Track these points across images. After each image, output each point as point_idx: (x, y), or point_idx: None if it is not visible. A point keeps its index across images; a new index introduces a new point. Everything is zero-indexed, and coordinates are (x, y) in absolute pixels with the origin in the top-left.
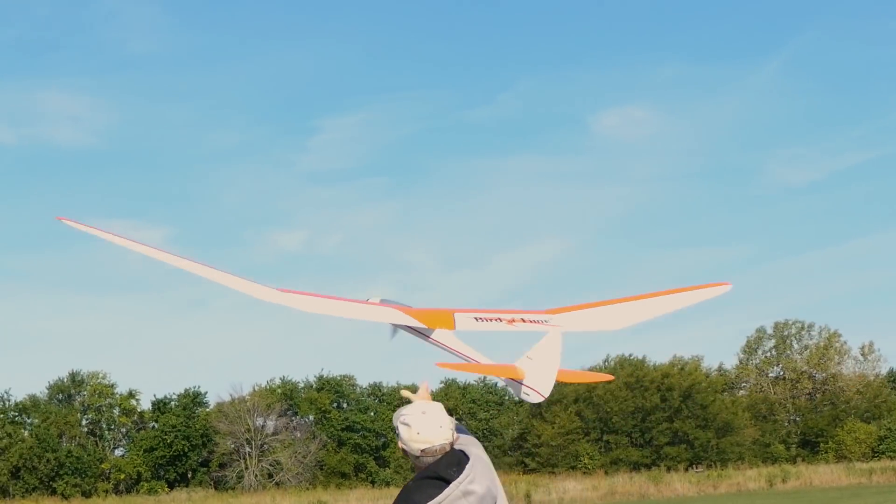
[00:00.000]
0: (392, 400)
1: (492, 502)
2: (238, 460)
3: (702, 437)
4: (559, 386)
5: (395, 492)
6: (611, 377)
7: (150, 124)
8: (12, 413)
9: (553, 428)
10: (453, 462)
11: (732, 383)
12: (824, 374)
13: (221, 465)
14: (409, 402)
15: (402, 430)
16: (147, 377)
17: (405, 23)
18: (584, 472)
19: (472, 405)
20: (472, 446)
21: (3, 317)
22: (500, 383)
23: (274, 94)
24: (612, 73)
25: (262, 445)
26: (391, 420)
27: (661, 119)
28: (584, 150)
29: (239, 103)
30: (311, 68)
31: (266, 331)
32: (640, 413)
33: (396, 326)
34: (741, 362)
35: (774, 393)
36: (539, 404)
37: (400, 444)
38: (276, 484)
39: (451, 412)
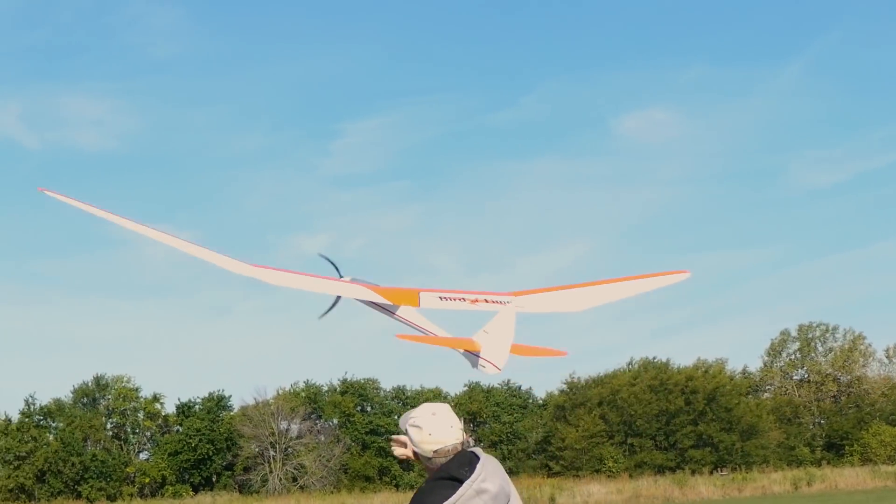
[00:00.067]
0: (416, 403)
1: (505, 500)
2: (262, 464)
3: (726, 440)
4: (583, 389)
5: None
6: (564, 352)
7: (173, 128)
8: (37, 417)
9: (577, 431)
10: (465, 462)
11: (757, 386)
12: (849, 377)
13: (246, 469)
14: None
15: (412, 432)
16: (171, 381)
17: (427, 26)
18: (609, 476)
19: (496, 408)
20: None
21: (28, 321)
22: (459, 355)
23: (297, 98)
24: (635, 75)
25: (286, 449)
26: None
27: (683, 121)
28: (606, 153)
29: (262, 107)
30: (333, 72)
31: (290, 335)
32: (665, 416)
33: (362, 302)
34: (765, 365)
35: (799, 396)
36: (563, 407)
37: (411, 447)
38: (301, 487)
39: (474, 416)
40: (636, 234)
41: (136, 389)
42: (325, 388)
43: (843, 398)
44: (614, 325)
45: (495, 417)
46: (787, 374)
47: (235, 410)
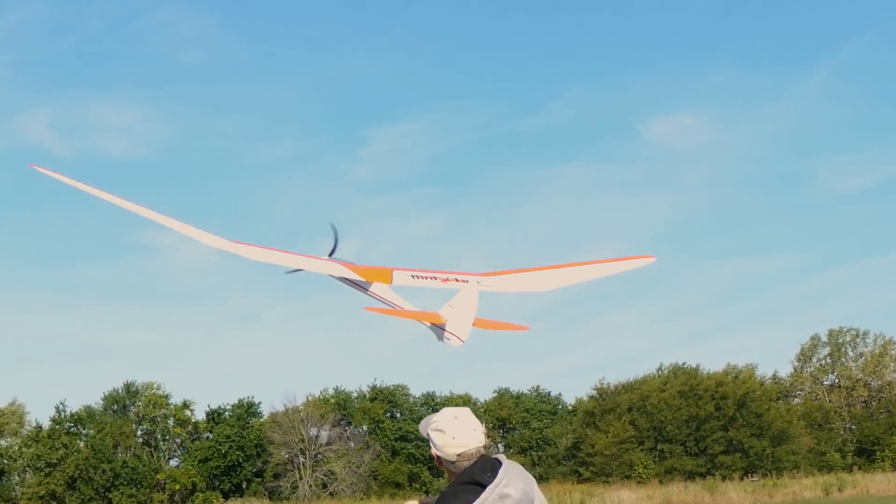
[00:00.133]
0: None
1: None
2: (292, 470)
3: (757, 446)
4: (613, 395)
5: None
6: (526, 327)
7: (202, 135)
8: (68, 424)
9: (607, 437)
10: (487, 467)
11: (787, 391)
12: (880, 382)
13: (276, 476)
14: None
15: (435, 436)
16: (201, 388)
17: (456, 32)
18: (639, 482)
19: (525, 414)
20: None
21: (59, 328)
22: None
23: (325, 104)
24: (663, 80)
25: (315, 455)
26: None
27: (712, 126)
28: (635, 158)
29: (290, 114)
30: (361, 79)
31: (319, 341)
32: (695, 422)
33: (337, 278)
34: (796, 370)
35: (830, 401)
36: (592, 413)
37: (434, 452)
38: (331, 494)
39: (504, 422)
40: (664, 239)
41: (167, 396)
42: (355, 395)
43: (873, 403)
44: (644, 331)
45: (525, 423)
46: (818, 379)
47: (265, 417)
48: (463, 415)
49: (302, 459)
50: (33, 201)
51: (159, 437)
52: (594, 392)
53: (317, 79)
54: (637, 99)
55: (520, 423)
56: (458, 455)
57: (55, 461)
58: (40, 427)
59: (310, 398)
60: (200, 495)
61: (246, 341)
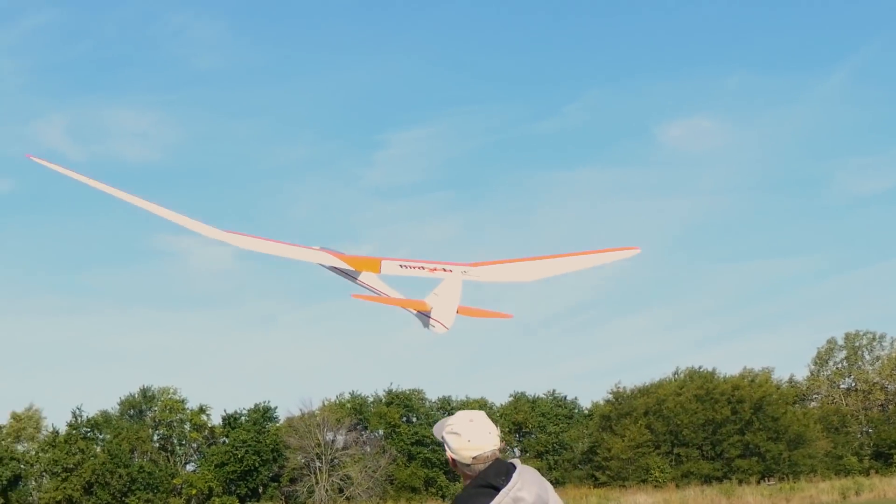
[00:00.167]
0: None
1: None
2: (308, 475)
3: (773, 450)
4: (629, 399)
5: None
6: (510, 315)
7: (217, 140)
8: (84, 429)
9: (623, 441)
10: (501, 471)
11: (804, 395)
12: None
13: (292, 480)
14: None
15: (451, 439)
16: (217, 392)
17: (470, 36)
18: (655, 486)
19: (541, 419)
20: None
21: (74, 333)
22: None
23: (340, 108)
24: (679, 84)
25: (332, 460)
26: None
27: (727, 130)
28: (650, 162)
29: (305, 118)
30: (376, 83)
31: (335, 345)
32: (711, 425)
33: (327, 268)
34: (812, 374)
35: (846, 404)
36: (609, 417)
37: (449, 455)
38: (347, 499)
39: (520, 426)
40: (680, 243)
41: (183, 401)
42: (371, 399)
43: (890, 407)
44: (660, 335)
45: (541, 428)
46: (835, 382)
47: (281, 422)
48: (478, 418)
49: (318, 464)
50: (50, 206)
51: (175, 441)
52: (610, 396)
53: (331, 83)
54: (652, 102)
55: (536, 428)
56: (474, 458)
57: (72, 466)
58: (57, 432)
59: (326, 403)
60: (217, 500)
61: (262, 346)
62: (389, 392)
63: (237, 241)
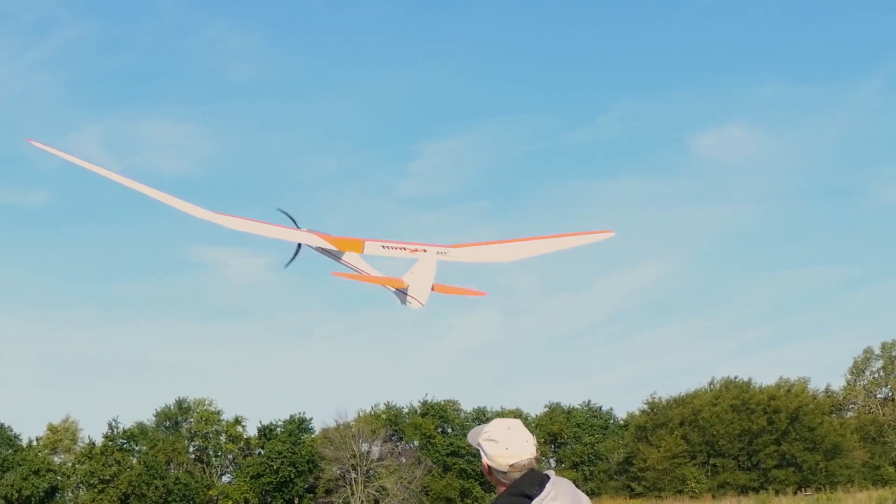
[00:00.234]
0: None
1: None
2: (344, 486)
3: (810, 460)
4: (664, 409)
5: None
6: (484, 293)
7: (252, 152)
8: (121, 440)
9: (659, 451)
10: (535, 481)
11: (840, 405)
12: None
13: (327, 492)
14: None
15: (488, 446)
16: (253, 403)
17: (504, 47)
18: (691, 496)
19: (576, 429)
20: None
21: (110, 344)
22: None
23: (374, 120)
24: (712, 93)
25: (367, 471)
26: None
27: (762, 139)
28: (684, 171)
29: (340, 130)
30: (410, 94)
31: (370, 356)
32: (747, 436)
33: (313, 248)
34: (849, 383)
35: (883, 414)
36: (644, 428)
37: (485, 462)
38: None
39: (555, 437)
40: (715, 253)
41: (218, 412)
42: (406, 410)
43: None
44: (695, 345)
45: (576, 438)
46: (871, 392)
47: (317, 433)
48: (515, 426)
49: (353, 475)
50: (85, 218)
51: (211, 453)
52: (646, 406)
53: (366, 94)
54: (686, 111)
55: (571, 438)
56: (511, 466)
57: (108, 477)
58: (93, 443)
59: (361, 414)
60: None
61: (297, 357)
62: (424, 403)
63: (226, 222)
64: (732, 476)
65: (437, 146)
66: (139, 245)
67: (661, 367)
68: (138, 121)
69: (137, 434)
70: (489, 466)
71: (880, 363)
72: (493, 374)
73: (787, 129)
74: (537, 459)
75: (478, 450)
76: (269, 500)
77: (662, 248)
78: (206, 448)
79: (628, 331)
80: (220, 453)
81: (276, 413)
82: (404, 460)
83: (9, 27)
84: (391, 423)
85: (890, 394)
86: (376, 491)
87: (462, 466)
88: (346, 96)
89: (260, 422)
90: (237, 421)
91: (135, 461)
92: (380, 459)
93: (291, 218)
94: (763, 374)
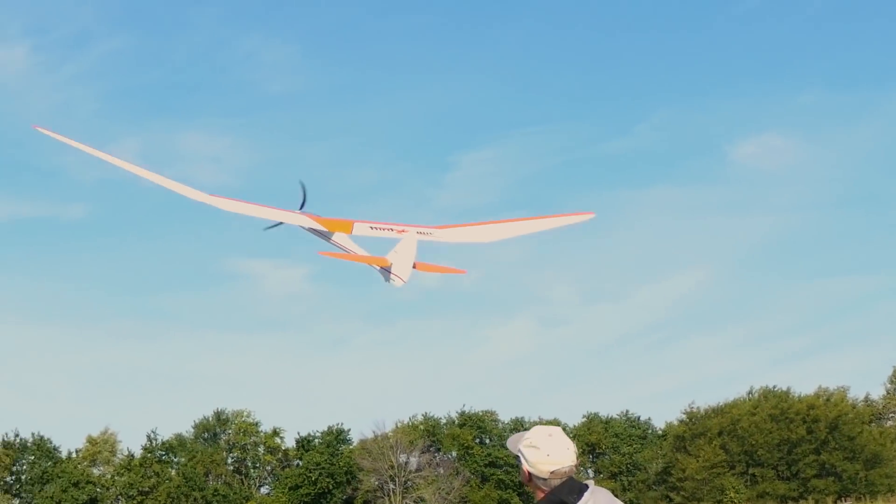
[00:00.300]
0: None
1: None
2: (382, 497)
3: (850, 470)
4: (703, 419)
5: None
6: (463, 271)
7: (289, 163)
8: (159, 452)
9: (697, 461)
10: (574, 489)
11: (880, 414)
12: None
13: (366, 503)
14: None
15: (529, 453)
16: (291, 415)
17: (540, 56)
18: None
19: (615, 439)
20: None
21: (150, 356)
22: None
23: (411, 131)
24: (750, 101)
25: (405, 482)
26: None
27: (800, 147)
28: (722, 180)
29: (376, 141)
30: (446, 105)
31: (407, 367)
32: (786, 445)
33: (306, 229)
34: (888, 392)
35: None
36: (683, 437)
37: (525, 468)
38: None
39: (593, 447)
40: (754, 261)
41: (256, 424)
42: (444, 421)
43: None
44: (734, 354)
45: (614, 448)
46: None
47: (355, 444)
48: (556, 433)
49: (392, 486)
50: (122, 230)
51: (250, 464)
52: (684, 416)
53: (402, 105)
54: (723, 120)
55: (609, 448)
56: (552, 472)
57: (147, 489)
58: (132, 455)
59: (399, 425)
60: None
61: (335, 368)
62: (462, 413)
63: (222, 203)
64: (772, 486)
65: (474, 156)
66: (177, 257)
67: (699, 376)
68: (176, 133)
69: (176, 446)
70: (529, 473)
71: None
72: (531, 385)
73: (824, 138)
74: (576, 471)
75: (517, 456)
76: None
77: (700, 258)
78: (245, 459)
79: (666, 340)
80: (258, 465)
81: (314, 424)
82: (442, 471)
83: (47, 41)
84: (429, 434)
85: None
86: (414, 502)
87: (500, 477)
88: (383, 107)
89: (298, 433)
90: (275, 432)
91: (173, 473)
92: (418, 470)
93: (304, 195)
94: (802, 383)
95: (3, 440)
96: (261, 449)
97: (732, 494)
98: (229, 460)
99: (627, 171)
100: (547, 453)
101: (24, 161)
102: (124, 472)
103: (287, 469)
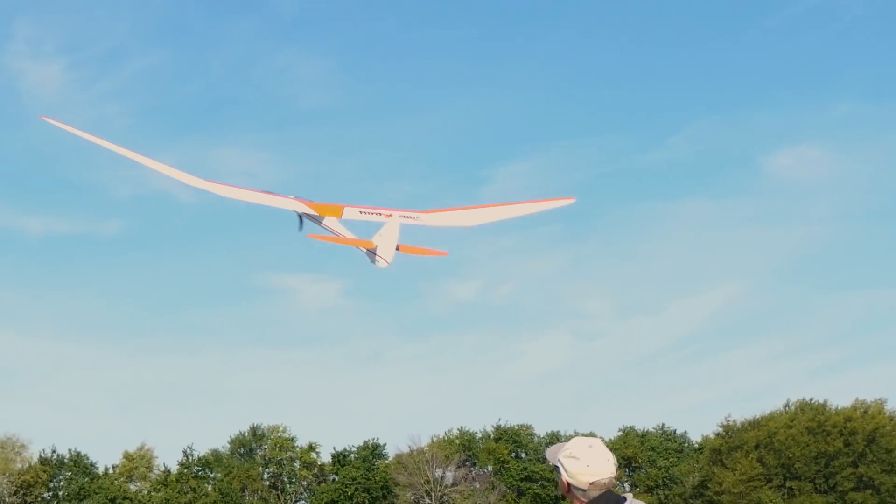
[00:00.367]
0: None
1: None
2: None
3: (888, 483)
4: (739, 432)
5: None
6: (445, 253)
7: (324, 178)
8: (196, 468)
9: (734, 475)
10: (612, 501)
11: None
12: None
13: None
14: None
15: (569, 463)
16: (326, 430)
17: (574, 70)
18: None
19: (651, 453)
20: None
21: (185, 372)
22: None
23: (445, 145)
24: (785, 112)
25: (441, 497)
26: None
27: (836, 158)
28: (757, 192)
29: (410, 155)
30: (480, 118)
31: (442, 381)
32: (823, 458)
33: (299, 214)
34: None
35: None
36: (719, 451)
37: (564, 479)
38: None
39: (629, 460)
40: (789, 273)
41: (292, 439)
42: (479, 435)
43: None
44: (770, 366)
45: (650, 462)
46: None
47: (390, 459)
48: (597, 444)
49: (428, 501)
50: (157, 245)
51: (286, 479)
52: (720, 429)
53: (436, 119)
54: (758, 132)
55: (645, 462)
56: (591, 484)
57: None
58: (168, 471)
59: (434, 439)
60: None
61: (370, 382)
62: (498, 428)
63: (218, 189)
64: (809, 499)
65: (508, 169)
66: (212, 272)
67: (735, 389)
68: (210, 149)
69: (212, 461)
70: (568, 484)
71: None
72: (567, 398)
73: (859, 149)
74: (613, 485)
75: (556, 467)
76: None
77: (735, 270)
78: (281, 475)
79: (702, 353)
80: (294, 480)
81: (350, 439)
82: (478, 485)
83: (81, 57)
84: (465, 449)
85: None
86: None
87: (536, 491)
88: (417, 121)
89: (334, 448)
90: (311, 447)
91: (210, 488)
92: (454, 485)
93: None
94: (838, 395)
95: (41, 456)
96: (297, 464)
97: None
98: (265, 475)
99: (661, 183)
100: (587, 464)
101: (61, 177)
102: (161, 487)
103: (323, 484)
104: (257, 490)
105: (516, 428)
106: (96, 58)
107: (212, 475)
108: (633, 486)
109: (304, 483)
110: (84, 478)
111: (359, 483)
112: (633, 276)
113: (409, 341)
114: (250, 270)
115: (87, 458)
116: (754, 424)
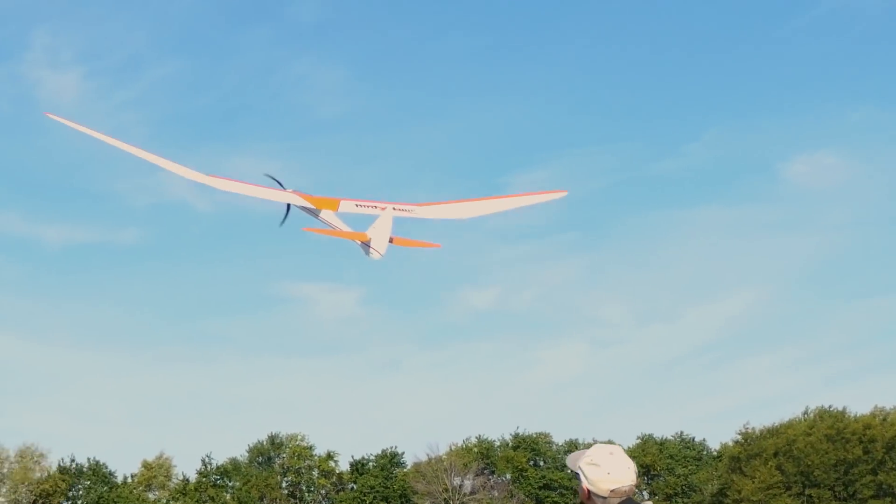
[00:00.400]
0: None
1: None
2: None
3: None
4: (758, 440)
5: None
6: (438, 245)
7: (341, 187)
8: (214, 476)
9: (753, 483)
10: None
11: None
12: None
13: None
14: None
15: (590, 470)
16: (344, 438)
17: (591, 78)
18: None
19: (669, 461)
20: None
21: (203, 381)
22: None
23: (462, 152)
24: (802, 119)
25: None
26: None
27: (853, 165)
28: (774, 199)
29: (427, 162)
30: (497, 127)
31: (460, 389)
32: (843, 465)
33: (297, 207)
34: None
35: None
36: (738, 458)
37: (584, 486)
38: None
39: (648, 468)
40: (807, 280)
41: (311, 447)
42: (497, 443)
43: None
44: (788, 373)
45: (669, 470)
46: None
47: (409, 467)
48: (617, 451)
49: None
50: (175, 254)
51: (304, 488)
52: (739, 437)
53: (453, 127)
54: (775, 139)
55: (664, 470)
56: (612, 491)
57: None
58: (187, 480)
59: (453, 447)
60: None
61: (388, 390)
62: (516, 436)
63: (218, 183)
64: None
65: (525, 177)
66: (229, 280)
67: (753, 396)
68: (226, 158)
69: (231, 470)
70: (589, 491)
71: None
72: (585, 406)
73: (877, 156)
74: (632, 493)
75: (577, 474)
76: None
77: (752, 277)
78: (299, 483)
79: (720, 360)
80: (312, 488)
81: (368, 447)
82: (496, 494)
83: (99, 67)
84: (483, 457)
85: None
86: None
87: (555, 499)
88: (434, 129)
89: (352, 456)
90: (329, 456)
91: (228, 497)
92: (472, 493)
93: (278, 182)
94: (857, 402)
95: (60, 465)
96: (315, 472)
97: None
98: (284, 484)
99: (678, 190)
100: (608, 471)
101: (78, 187)
102: (179, 496)
103: (341, 493)
104: (276, 499)
105: (534, 436)
106: (114, 67)
107: (230, 484)
108: (652, 493)
109: (323, 492)
110: (103, 487)
111: (377, 491)
112: (650, 283)
113: (426, 349)
114: (267, 279)
115: (106, 467)
116: (773, 432)
